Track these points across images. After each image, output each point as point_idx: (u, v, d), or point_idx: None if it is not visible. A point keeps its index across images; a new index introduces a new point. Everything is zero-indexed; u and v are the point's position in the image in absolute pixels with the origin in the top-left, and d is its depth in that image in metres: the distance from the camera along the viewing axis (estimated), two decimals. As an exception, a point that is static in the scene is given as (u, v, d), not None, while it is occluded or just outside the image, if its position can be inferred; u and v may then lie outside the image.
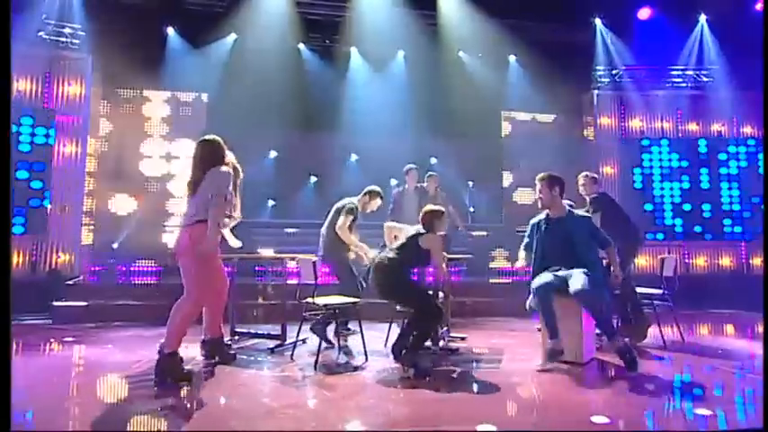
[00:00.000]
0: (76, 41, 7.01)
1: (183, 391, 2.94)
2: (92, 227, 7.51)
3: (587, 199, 4.75)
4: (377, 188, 4.63)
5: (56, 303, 5.47)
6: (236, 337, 4.33)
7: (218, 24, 8.43)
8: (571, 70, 8.73)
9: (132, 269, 7.54)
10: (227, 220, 3.54)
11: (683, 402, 2.88)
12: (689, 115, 8.49)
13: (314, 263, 3.72)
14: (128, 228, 7.68)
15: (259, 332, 4.32)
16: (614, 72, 8.55)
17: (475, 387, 3.12)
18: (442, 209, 3.78)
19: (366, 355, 3.74)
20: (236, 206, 3.71)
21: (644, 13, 8.65)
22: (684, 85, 8.52)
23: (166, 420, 2.53)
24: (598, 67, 8.63)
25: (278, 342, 4.09)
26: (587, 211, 4.42)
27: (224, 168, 3.29)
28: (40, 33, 6.82)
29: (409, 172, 5.80)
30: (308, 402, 2.88)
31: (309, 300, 3.65)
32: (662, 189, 8.33)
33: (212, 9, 8.38)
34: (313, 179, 10.17)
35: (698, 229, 8.23)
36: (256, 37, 8.62)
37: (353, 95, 9.52)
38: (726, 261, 8.34)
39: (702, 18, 8.58)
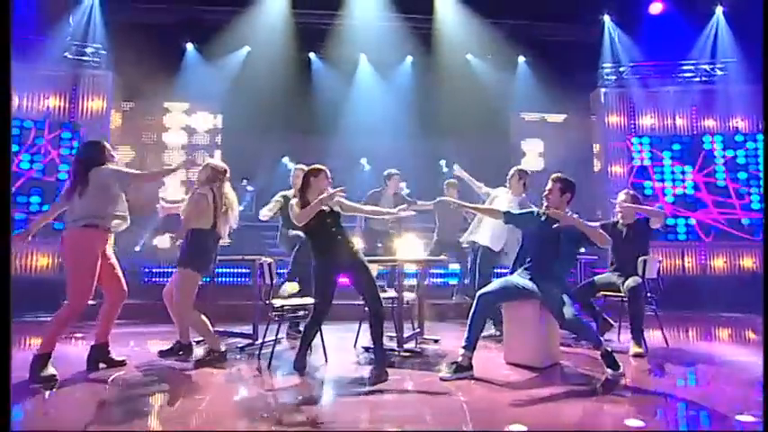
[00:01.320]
0: (98, 60, 7.34)
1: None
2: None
3: (619, 220, 4.38)
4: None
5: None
6: (225, 336, 4.38)
7: (231, 38, 8.63)
8: (579, 69, 8.38)
9: (154, 270, 7.78)
10: (118, 221, 3.38)
11: (604, 409, 2.62)
12: (703, 111, 7.90)
13: (269, 264, 3.68)
14: (149, 231, 7.96)
15: (235, 332, 4.33)
16: (621, 69, 8.07)
17: (394, 391, 2.96)
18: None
19: (326, 355, 3.66)
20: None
21: (656, 8, 8.15)
22: (698, 79, 7.93)
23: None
24: (605, 65, 8.18)
25: (249, 341, 4.09)
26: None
27: (111, 166, 3.32)
28: (66, 54, 7.19)
29: (391, 177, 5.67)
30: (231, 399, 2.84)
31: (271, 301, 3.62)
32: (674, 188, 7.79)
33: (226, 24, 8.56)
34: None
35: (713, 229, 7.65)
36: (267, 48, 8.75)
37: (364, 101, 9.50)
38: (747, 262, 7.68)
39: (719, 10, 7.98)
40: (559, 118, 9.31)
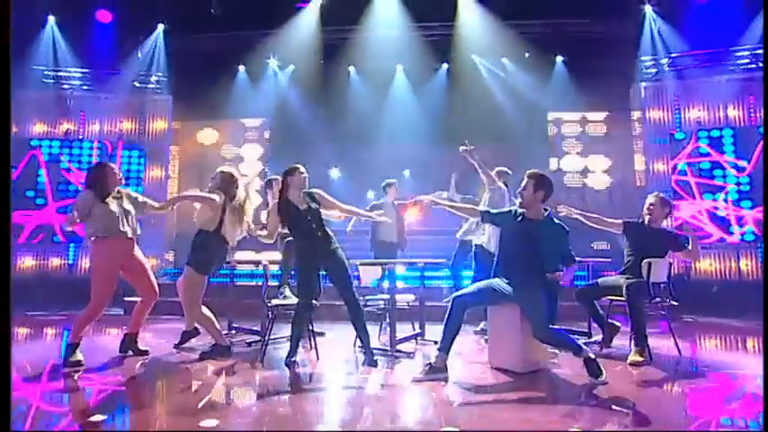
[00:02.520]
0: (160, 86, 8.11)
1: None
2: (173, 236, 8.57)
3: (644, 221, 4.04)
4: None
5: (126, 299, 6.34)
6: (233, 332, 4.66)
7: (277, 58, 9.10)
8: (618, 64, 7.80)
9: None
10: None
11: (576, 419, 2.44)
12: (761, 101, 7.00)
13: (264, 265, 3.87)
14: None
15: (245, 328, 4.58)
16: (663, 61, 7.39)
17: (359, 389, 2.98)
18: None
19: (317, 354, 3.77)
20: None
21: (703, -6, 7.37)
22: (754, 66, 7.03)
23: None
24: (644, 58, 7.53)
25: (257, 338, 4.30)
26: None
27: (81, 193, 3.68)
28: (135, 83, 8.03)
29: (390, 186, 5.66)
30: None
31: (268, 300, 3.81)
32: (726, 184, 6.98)
33: (272, 45, 9.03)
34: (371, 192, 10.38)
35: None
36: (310, 64, 9.12)
37: (401, 110, 9.55)
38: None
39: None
40: (600, 116, 8.71)
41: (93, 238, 3.58)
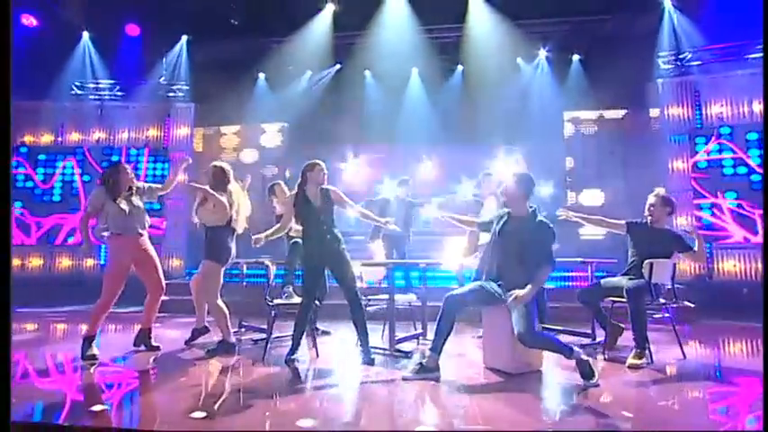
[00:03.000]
0: (183, 94, 8.41)
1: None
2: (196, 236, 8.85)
3: (647, 221, 3.92)
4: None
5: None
6: (243, 329, 4.80)
7: (294, 63, 9.26)
8: (635, 61, 7.55)
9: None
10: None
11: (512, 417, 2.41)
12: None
13: (266, 266, 3.99)
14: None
15: (254, 326, 4.70)
16: (682, 56, 7.11)
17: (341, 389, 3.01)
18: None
19: (317, 353, 3.84)
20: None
21: (726, -15, 7.04)
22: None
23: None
24: (662, 54, 7.26)
25: (264, 336, 4.41)
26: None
27: (96, 189, 3.86)
28: (160, 92, 8.36)
29: (404, 183, 5.71)
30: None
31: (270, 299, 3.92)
32: (750, 182, 6.65)
33: (289, 52, 9.19)
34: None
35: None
36: (326, 69, 9.26)
37: (417, 112, 9.57)
38: None
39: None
40: (618, 114, 8.47)
41: (106, 236, 3.77)
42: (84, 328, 3.98)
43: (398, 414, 2.56)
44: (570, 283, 6.44)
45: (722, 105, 6.90)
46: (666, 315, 3.71)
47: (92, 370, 3.42)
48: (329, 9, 8.23)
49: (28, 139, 8.50)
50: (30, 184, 8.32)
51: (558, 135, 8.81)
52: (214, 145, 9.35)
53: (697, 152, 6.92)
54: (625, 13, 7.66)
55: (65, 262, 8.29)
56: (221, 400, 2.75)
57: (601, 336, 4.06)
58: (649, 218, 3.90)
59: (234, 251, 4.11)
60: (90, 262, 8.22)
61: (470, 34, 8.52)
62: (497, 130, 8.94)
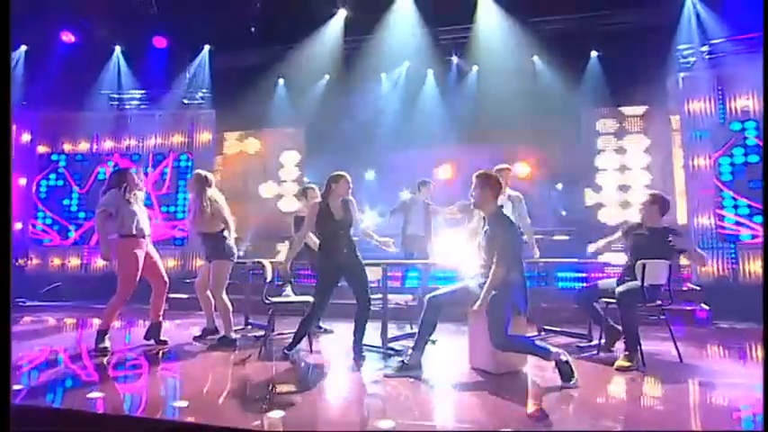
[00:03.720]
0: (205, 101, 8.79)
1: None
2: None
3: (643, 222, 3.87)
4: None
5: (173, 296, 6.92)
6: (249, 326, 5.00)
7: (313, 69, 9.47)
8: (655, 55, 7.29)
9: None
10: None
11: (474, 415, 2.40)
12: None
13: (263, 265, 4.16)
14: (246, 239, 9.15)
15: (256, 323, 4.88)
16: (703, 49, 6.79)
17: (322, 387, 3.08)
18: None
19: (311, 348, 3.97)
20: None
21: (751, -28, 6.69)
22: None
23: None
24: (682, 47, 6.97)
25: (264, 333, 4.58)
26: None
27: (111, 191, 4.04)
28: (184, 100, 8.78)
29: (425, 185, 5.75)
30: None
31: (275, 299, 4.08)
32: (778, 180, 6.27)
33: (308, 57, 9.40)
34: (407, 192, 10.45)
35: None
36: (343, 73, 9.41)
37: (433, 113, 9.57)
38: None
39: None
40: (638, 110, 8.18)
41: (118, 236, 4.00)
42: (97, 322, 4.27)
43: (365, 408, 2.63)
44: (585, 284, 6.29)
45: (747, 99, 6.55)
46: (662, 317, 3.60)
47: (105, 360, 3.69)
48: (341, 14, 8.37)
49: (67, 147, 9.11)
50: (67, 189, 8.91)
51: (577, 133, 8.59)
52: (235, 150, 9.68)
53: (720, 148, 6.60)
54: (644, 7, 7.39)
55: (100, 261, 8.83)
56: (204, 390, 2.92)
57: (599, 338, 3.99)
58: (642, 217, 3.81)
59: (234, 247, 4.34)
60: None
61: (484, 34, 8.45)
62: (514, 130, 8.82)
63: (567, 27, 8.37)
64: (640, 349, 3.41)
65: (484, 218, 3.35)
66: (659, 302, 3.60)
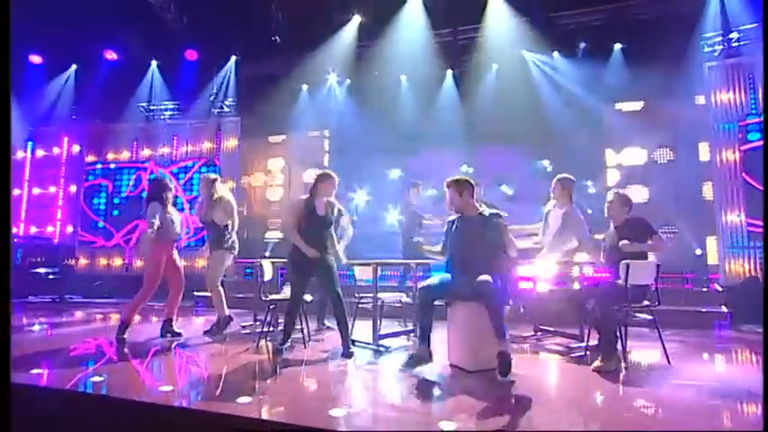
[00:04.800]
0: (230, 110, 9.30)
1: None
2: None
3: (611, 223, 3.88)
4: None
5: (202, 294, 7.39)
6: (257, 323, 5.29)
7: (335, 75, 9.77)
8: (681, 45, 6.97)
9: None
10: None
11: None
12: None
13: (259, 264, 4.44)
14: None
15: (260, 319, 5.15)
16: (732, 36, 6.43)
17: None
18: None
19: (305, 344, 4.20)
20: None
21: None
22: None
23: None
24: (708, 35, 6.63)
25: (272, 329, 4.85)
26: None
27: (153, 203, 4.47)
28: (212, 109, 9.34)
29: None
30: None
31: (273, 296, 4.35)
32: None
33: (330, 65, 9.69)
34: (432, 192, 10.51)
35: None
36: (364, 77, 9.64)
37: (452, 113, 9.59)
38: None
39: None
40: (662, 103, 7.81)
41: (153, 240, 4.44)
42: (117, 317, 4.71)
43: (327, 398, 2.80)
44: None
45: (782, 87, 6.13)
46: (650, 317, 3.52)
47: (125, 349, 4.09)
48: (355, 20, 8.61)
49: (110, 156, 9.93)
50: (111, 194, 9.71)
51: (599, 128, 8.33)
52: (260, 154, 10.13)
53: (749, 141, 6.23)
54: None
55: (139, 261, 9.56)
56: (189, 377, 3.20)
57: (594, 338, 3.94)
58: (608, 216, 3.78)
59: (236, 242, 4.78)
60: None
61: (500, 33, 8.40)
62: (537, 128, 8.69)
63: (587, 20, 8.17)
64: (623, 350, 3.37)
65: (453, 220, 3.45)
66: (647, 303, 3.53)
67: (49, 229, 9.98)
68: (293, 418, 2.45)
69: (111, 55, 9.88)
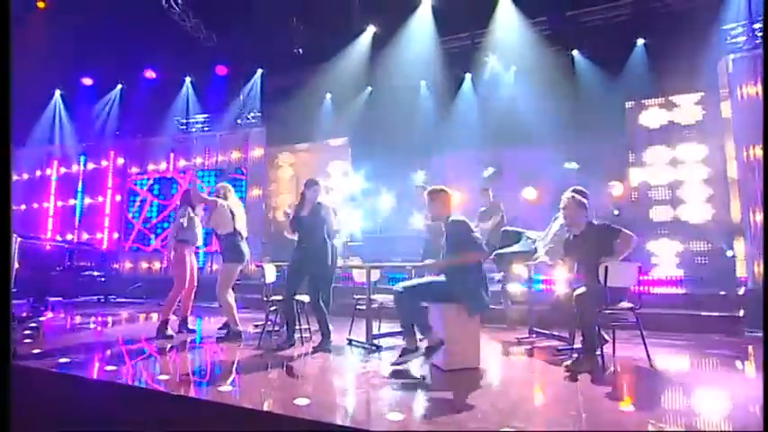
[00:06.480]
0: (256, 120, 9.85)
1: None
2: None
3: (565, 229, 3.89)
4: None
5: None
6: (269, 323, 5.62)
7: (357, 83, 10.08)
8: (705, 38, 6.73)
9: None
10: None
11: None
12: None
13: (262, 266, 4.74)
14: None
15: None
16: (756, 26, 6.13)
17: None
18: None
19: (302, 341, 4.48)
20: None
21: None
22: None
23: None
24: (730, 26, 6.35)
25: (282, 328, 5.16)
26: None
27: (181, 209, 4.97)
28: (238, 120, 9.93)
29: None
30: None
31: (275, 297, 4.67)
32: None
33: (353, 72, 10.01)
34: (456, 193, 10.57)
35: None
36: (384, 84, 9.90)
37: (471, 116, 9.65)
38: None
39: None
40: (687, 99, 7.52)
41: (180, 242, 4.93)
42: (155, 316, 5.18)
43: (286, 391, 3.04)
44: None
45: (812, 77, 5.78)
46: (632, 320, 3.50)
47: (168, 346, 4.48)
48: (370, 30, 8.90)
49: (150, 167, 10.77)
50: (150, 203, 10.52)
51: (621, 127, 8.11)
52: (285, 162, 10.59)
53: (776, 136, 5.89)
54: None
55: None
56: (186, 371, 3.55)
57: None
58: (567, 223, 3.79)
59: (247, 252, 5.01)
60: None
61: (516, 34, 8.41)
62: (558, 128, 8.59)
63: (608, 17, 8.02)
64: (602, 352, 3.39)
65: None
66: (630, 306, 3.52)
67: (98, 235, 10.94)
68: (261, 405, 2.72)
69: (150, 74, 10.73)
